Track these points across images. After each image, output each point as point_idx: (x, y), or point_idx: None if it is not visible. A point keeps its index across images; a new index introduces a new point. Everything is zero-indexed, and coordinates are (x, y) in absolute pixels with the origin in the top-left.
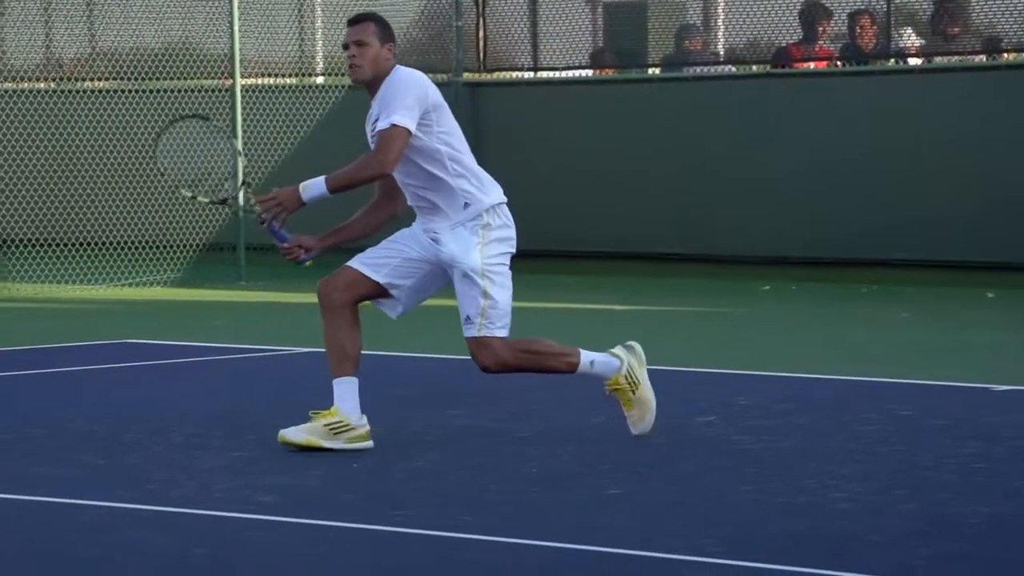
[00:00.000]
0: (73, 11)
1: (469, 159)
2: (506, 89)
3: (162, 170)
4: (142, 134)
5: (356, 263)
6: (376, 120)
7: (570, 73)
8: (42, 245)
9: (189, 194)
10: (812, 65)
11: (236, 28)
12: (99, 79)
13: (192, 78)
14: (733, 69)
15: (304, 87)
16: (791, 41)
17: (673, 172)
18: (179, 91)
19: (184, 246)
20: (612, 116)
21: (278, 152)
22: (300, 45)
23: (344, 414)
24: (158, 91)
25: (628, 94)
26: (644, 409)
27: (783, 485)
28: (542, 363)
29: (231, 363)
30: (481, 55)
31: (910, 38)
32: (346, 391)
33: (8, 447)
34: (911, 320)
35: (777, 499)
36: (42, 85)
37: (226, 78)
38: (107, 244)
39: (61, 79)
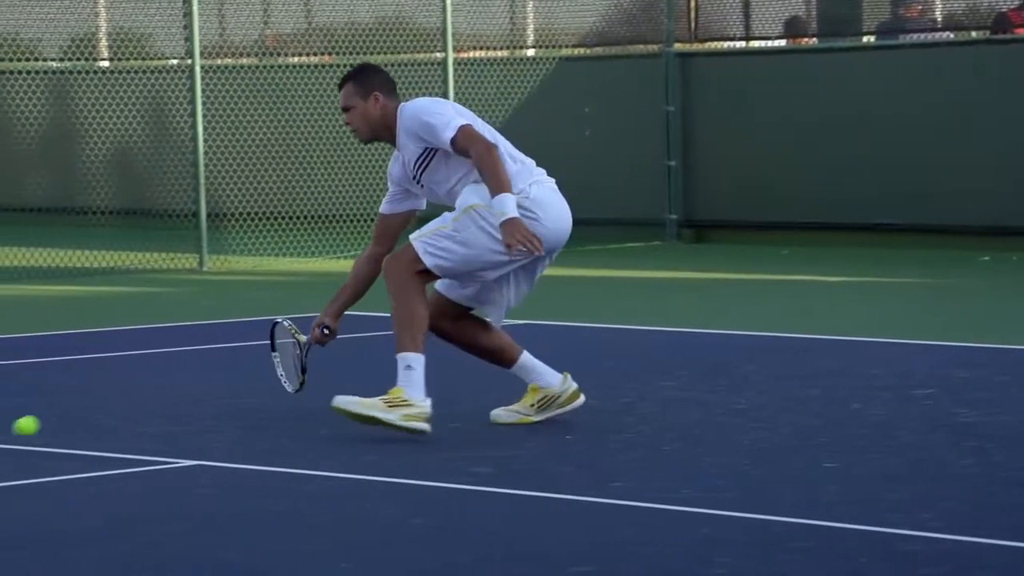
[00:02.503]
0: None
1: (510, 150)
2: (717, 59)
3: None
4: None
5: (438, 286)
6: (425, 157)
7: (782, 42)
8: (260, 219)
9: (291, 390)
10: None
11: (448, 2)
12: (314, 54)
13: (404, 52)
14: (951, 36)
15: (515, 59)
16: (1011, 6)
17: (888, 141)
18: (392, 65)
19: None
20: (824, 85)
21: (490, 125)
22: (511, 18)
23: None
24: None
25: (841, 63)
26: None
27: (1006, 459)
28: (398, 313)
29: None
30: (692, 25)
31: None
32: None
33: (243, 417)
34: None
35: (1000, 473)
36: (259, 61)
37: (438, 52)
38: (324, 217)
39: (277, 55)
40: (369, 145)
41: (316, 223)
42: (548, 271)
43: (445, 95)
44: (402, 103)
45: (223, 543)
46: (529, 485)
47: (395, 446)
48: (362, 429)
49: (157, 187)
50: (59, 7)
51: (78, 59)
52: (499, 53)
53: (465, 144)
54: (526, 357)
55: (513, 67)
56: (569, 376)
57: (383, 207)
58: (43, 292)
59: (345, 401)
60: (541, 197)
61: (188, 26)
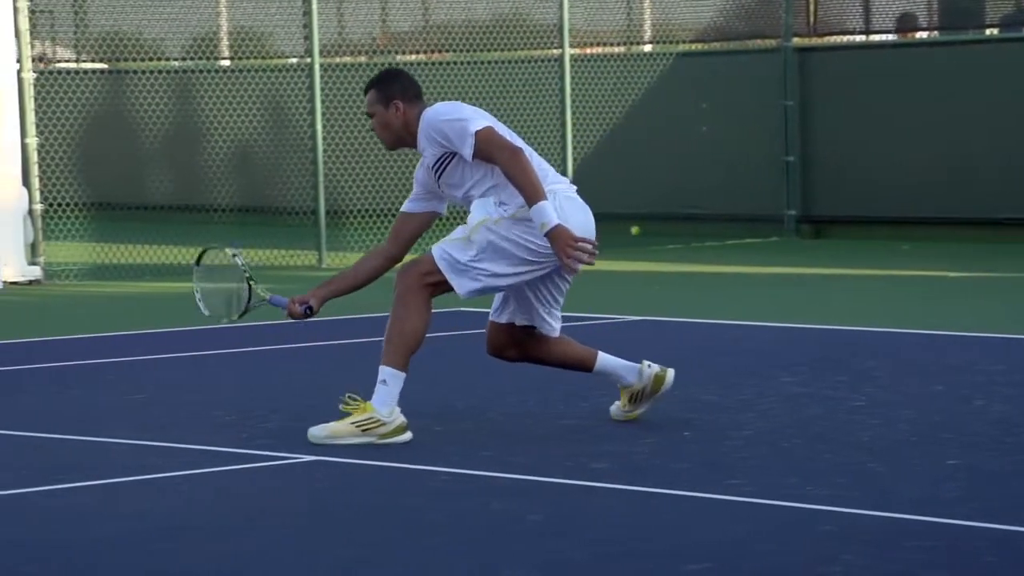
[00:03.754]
0: None
1: (534, 159)
2: (836, 53)
3: (212, 315)
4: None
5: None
6: (442, 163)
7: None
8: (379, 215)
9: (227, 321)
10: None
11: None
12: (432, 51)
13: (521, 49)
14: None
15: (632, 55)
16: None
17: (1012, 135)
18: (508, 62)
19: None
20: (946, 79)
21: (606, 121)
22: (628, 13)
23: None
24: (488, 62)
25: (964, 56)
26: None
27: None
28: (394, 324)
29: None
30: (811, 19)
31: None
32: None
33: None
34: None
35: None
36: (377, 59)
37: (555, 48)
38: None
39: (392, 53)
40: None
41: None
42: (667, 265)
43: (562, 92)
44: (424, 108)
45: (341, 538)
46: (647, 481)
47: (513, 443)
48: (478, 426)
49: (277, 185)
50: (181, 7)
51: (200, 58)
52: (616, 49)
53: (487, 150)
54: (601, 360)
55: (630, 63)
56: (646, 364)
57: (405, 205)
58: (165, 289)
59: (321, 435)
60: (557, 206)
61: (308, 25)
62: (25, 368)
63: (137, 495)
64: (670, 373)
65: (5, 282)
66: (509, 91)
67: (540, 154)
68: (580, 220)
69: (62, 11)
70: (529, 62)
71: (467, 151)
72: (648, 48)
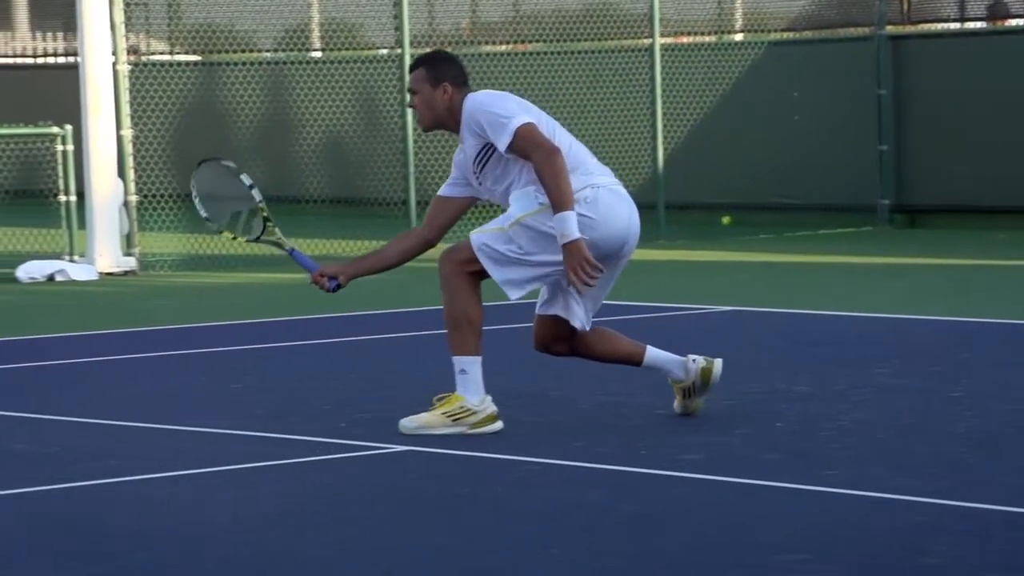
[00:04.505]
0: None
1: (576, 152)
2: (930, 41)
3: (208, 215)
4: (565, 95)
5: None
6: (484, 154)
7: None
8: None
9: (232, 236)
10: None
11: None
12: (519, 42)
13: (612, 39)
14: None
15: (723, 45)
16: None
17: None
18: (599, 52)
19: None
20: None
21: (696, 111)
22: (719, 2)
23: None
24: (579, 52)
25: None
26: None
27: None
28: (450, 313)
29: (651, 321)
30: (905, 6)
31: None
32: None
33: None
34: None
35: None
36: (468, 50)
37: (645, 38)
38: None
39: (480, 43)
40: (579, 130)
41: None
42: (759, 255)
43: (652, 82)
44: (468, 94)
45: (432, 527)
46: (740, 472)
47: (605, 433)
48: (570, 417)
49: (368, 175)
50: None
51: (291, 50)
52: (707, 38)
53: (525, 148)
54: (650, 355)
55: (721, 52)
56: (691, 358)
57: (442, 189)
58: (258, 279)
59: (412, 426)
60: (596, 198)
61: (398, 16)
62: (121, 358)
63: (236, 484)
64: (717, 364)
65: (101, 273)
66: (599, 81)
67: (631, 145)
68: (624, 212)
69: (156, 3)
70: (619, 52)
71: (503, 144)
72: (739, 37)
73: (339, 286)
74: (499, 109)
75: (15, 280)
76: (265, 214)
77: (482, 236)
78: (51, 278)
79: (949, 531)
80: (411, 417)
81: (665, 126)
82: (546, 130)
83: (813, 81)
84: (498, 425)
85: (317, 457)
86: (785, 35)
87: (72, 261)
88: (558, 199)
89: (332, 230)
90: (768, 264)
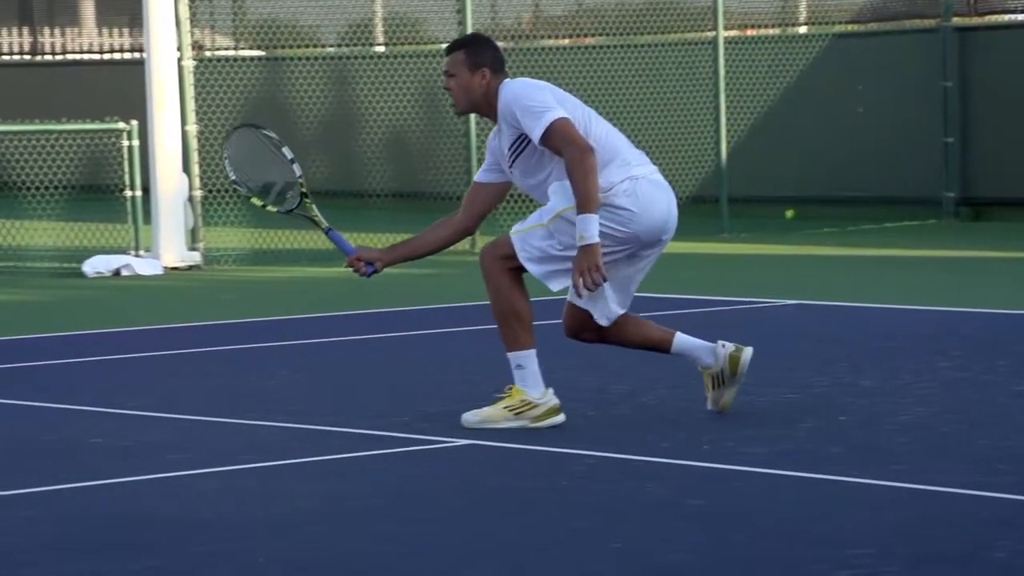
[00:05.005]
0: None
1: (613, 142)
2: (998, 32)
3: (240, 178)
4: (627, 89)
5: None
6: (519, 145)
7: None
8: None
9: (260, 203)
10: None
11: None
12: (581, 35)
13: (674, 32)
14: None
15: (787, 37)
16: None
17: None
18: (662, 45)
19: None
20: None
21: (760, 104)
22: None
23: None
24: (642, 46)
25: None
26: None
27: None
28: (498, 310)
29: (714, 315)
30: None
31: None
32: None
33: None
34: None
35: None
36: (530, 44)
37: (708, 31)
38: None
39: (544, 36)
40: (640, 120)
41: None
42: (822, 249)
43: (715, 75)
44: (505, 80)
45: (496, 521)
46: (803, 467)
47: (666, 427)
48: (632, 411)
49: (431, 170)
50: None
51: (355, 45)
52: (770, 31)
53: (557, 142)
54: (679, 341)
55: (785, 45)
56: (720, 344)
57: (478, 175)
58: (321, 273)
59: (475, 420)
60: (634, 190)
61: (461, 10)
62: (186, 352)
63: (297, 478)
64: (746, 352)
65: (166, 267)
66: (662, 75)
67: (693, 139)
68: (664, 201)
69: None
70: (682, 45)
71: (536, 136)
72: (803, 30)
73: (375, 271)
74: (535, 101)
75: (81, 275)
76: (304, 190)
77: (522, 235)
78: (117, 273)
79: (1015, 525)
80: (474, 411)
81: (728, 120)
82: (581, 123)
83: (878, 73)
84: (560, 418)
85: (380, 451)
86: (850, 27)
87: (138, 256)
88: (584, 199)
89: (395, 224)
90: (832, 257)
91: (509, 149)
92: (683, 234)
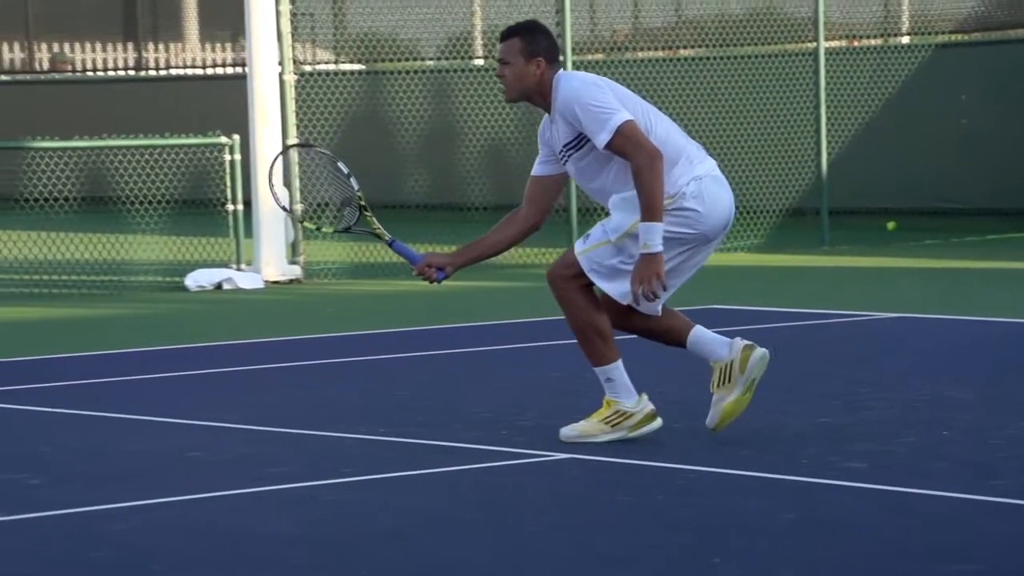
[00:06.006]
0: None
1: (676, 140)
2: None
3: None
4: (727, 100)
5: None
6: (575, 144)
7: None
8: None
9: (313, 227)
10: None
11: None
12: (686, 47)
13: (775, 43)
14: None
15: (889, 48)
16: None
17: None
18: (762, 56)
19: (768, 211)
20: None
21: (862, 115)
22: (885, 5)
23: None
24: (742, 57)
25: None
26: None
27: None
28: (576, 328)
29: (814, 328)
30: None
31: None
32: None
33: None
34: None
35: None
36: (628, 55)
37: (809, 42)
38: None
39: (640, 48)
40: (733, 132)
41: None
42: (925, 261)
43: (816, 86)
44: (560, 72)
45: (594, 536)
46: (905, 481)
47: (766, 441)
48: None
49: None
50: (436, 8)
51: (454, 58)
52: (872, 42)
53: (625, 147)
54: (695, 334)
55: (886, 55)
56: (738, 340)
57: (535, 169)
58: (421, 288)
59: (572, 435)
60: (700, 191)
61: (560, 23)
62: (287, 366)
63: (398, 491)
64: (758, 352)
65: (267, 281)
66: (762, 86)
67: (793, 150)
68: (726, 199)
69: (322, 14)
70: (783, 56)
71: (601, 141)
72: (906, 40)
73: (446, 277)
74: (598, 101)
75: (184, 288)
76: (362, 203)
77: (588, 254)
78: (218, 286)
79: None
80: (571, 426)
81: (829, 131)
82: (643, 122)
83: (982, 83)
84: (657, 423)
85: (479, 464)
86: (953, 37)
87: (239, 270)
88: (649, 207)
89: None
90: (934, 270)
91: (564, 147)
92: (784, 247)
